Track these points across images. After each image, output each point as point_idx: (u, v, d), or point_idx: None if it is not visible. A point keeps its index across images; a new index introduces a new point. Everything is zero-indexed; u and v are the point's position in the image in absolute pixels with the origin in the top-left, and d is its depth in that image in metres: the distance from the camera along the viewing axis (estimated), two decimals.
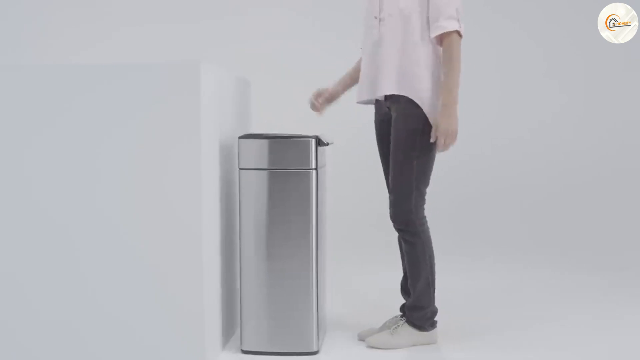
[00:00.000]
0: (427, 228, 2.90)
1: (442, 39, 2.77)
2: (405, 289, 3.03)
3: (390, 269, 3.16)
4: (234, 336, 3.03)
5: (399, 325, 2.93)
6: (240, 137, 2.80)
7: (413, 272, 2.90)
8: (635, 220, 5.38)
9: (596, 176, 5.69)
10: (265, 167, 2.76)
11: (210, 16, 5.70)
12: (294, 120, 5.04)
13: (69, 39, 5.67)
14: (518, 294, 3.86)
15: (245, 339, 2.82)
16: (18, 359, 2.63)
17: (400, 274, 3.06)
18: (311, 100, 3.21)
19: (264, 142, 2.77)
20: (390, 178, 2.88)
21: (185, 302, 2.58)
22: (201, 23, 5.70)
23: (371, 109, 3.05)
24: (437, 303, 2.97)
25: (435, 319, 2.96)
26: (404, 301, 3.05)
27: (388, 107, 2.89)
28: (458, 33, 2.75)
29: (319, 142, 2.79)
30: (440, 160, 2.94)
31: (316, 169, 2.77)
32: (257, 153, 2.77)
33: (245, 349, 2.83)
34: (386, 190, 2.99)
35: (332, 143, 3.03)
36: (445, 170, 3.77)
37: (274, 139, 2.77)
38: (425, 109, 2.78)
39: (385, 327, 3.00)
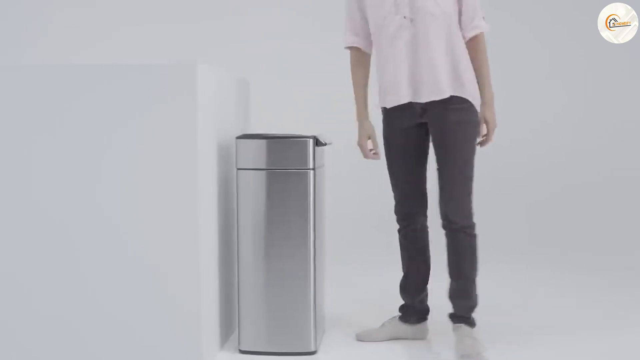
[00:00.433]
0: None
1: (474, 37, 2.81)
2: (405, 290, 3.03)
3: (391, 270, 3.16)
4: (232, 336, 3.03)
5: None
6: (238, 137, 2.80)
7: (472, 265, 2.88)
8: (635, 221, 5.37)
9: (597, 176, 5.69)
10: (263, 167, 2.76)
11: (210, 16, 5.70)
12: (294, 120, 5.05)
13: (69, 39, 5.67)
14: (518, 294, 3.85)
15: (243, 338, 2.82)
16: (17, 357, 2.63)
17: (400, 275, 3.06)
18: (365, 149, 2.94)
19: (262, 142, 2.77)
20: (444, 179, 2.82)
21: (183, 302, 2.58)
22: (201, 23, 5.70)
23: (374, 109, 2.98)
24: (437, 303, 2.98)
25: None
26: (402, 302, 3.06)
27: (422, 110, 2.82)
28: None
29: (317, 142, 2.79)
30: None
31: (314, 169, 2.76)
32: (254, 153, 2.76)
33: (243, 348, 2.83)
34: (387, 192, 2.99)
35: (330, 143, 3.02)
36: None
37: (271, 139, 2.77)
38: (477, 106, 2.82)
39: (383, 327, 3.02)
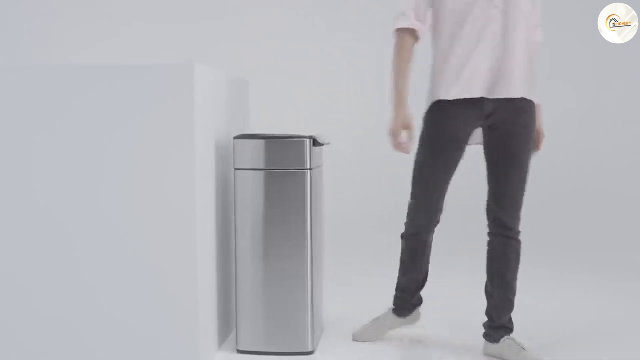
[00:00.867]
0: None
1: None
2: (405, 289, 3.00)
3: (391, 270, 3.15)
4: (230, 336, 3.03)
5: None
6: (236, 137, 2.80)
7: (516, 272, 2.89)
8: (636, 221, 5.36)
9: (597, 176, 5.68)
10: (261, 167, 2.76)
11: (210, 16, 5.70)
12: (294, 120, 5.05)
13: (68, 39, 5.68)
14: (518, 294, 3.84)
15: (241, 338, 2.82)
16: (17, 357, 2.63)
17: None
18: (398, 139, 2.70)
19: (260, 142, 2.77)
20: (508, 185, 2.77)
21: (181, 302, 2.58)
22: (201, 23, 5.71)
23: (374, 109, 2.94)
24: (438, 303, 2.98)
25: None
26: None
27: (492, 109, 2.68)
28: None
29: (315, 142, 2.79)
30: None
31: (311, 169, 2.76)
32: (252, 153, 2.76)
33: (240, 348, 2.83)
34: (387, 192, 2.99)
35: (328, 143, 3.02)
36: None
37: (269, 139, 2.77)
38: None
39: (376, 321, 3.03)
